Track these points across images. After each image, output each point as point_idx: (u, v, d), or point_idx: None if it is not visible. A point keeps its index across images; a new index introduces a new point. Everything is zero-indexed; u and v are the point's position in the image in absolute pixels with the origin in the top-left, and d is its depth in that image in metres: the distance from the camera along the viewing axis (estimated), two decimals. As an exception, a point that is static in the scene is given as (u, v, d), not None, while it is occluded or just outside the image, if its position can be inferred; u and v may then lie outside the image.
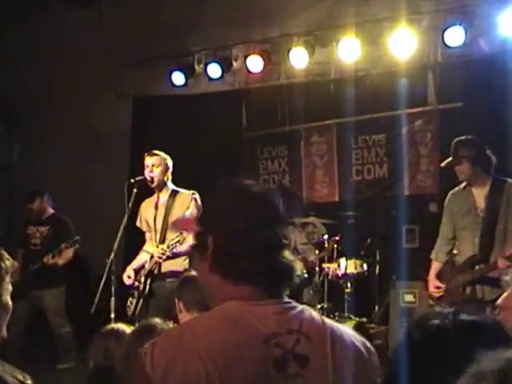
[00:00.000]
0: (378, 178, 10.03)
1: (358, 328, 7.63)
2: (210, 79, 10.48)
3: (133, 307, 6.79)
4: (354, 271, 8.72)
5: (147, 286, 6.75)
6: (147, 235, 7.20)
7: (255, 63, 10.01)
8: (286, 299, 2.01)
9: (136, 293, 6.81)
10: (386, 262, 8.99)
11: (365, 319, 8.44)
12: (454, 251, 6.59)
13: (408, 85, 9.37)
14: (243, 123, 10.97)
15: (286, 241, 2.05)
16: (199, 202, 6.81)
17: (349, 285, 8.68)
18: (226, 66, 10.37)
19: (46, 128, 12.16)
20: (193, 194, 6.94)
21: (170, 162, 7.10)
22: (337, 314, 8.47)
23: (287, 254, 2.02)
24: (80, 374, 6.68)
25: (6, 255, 2.52)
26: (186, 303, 4.07)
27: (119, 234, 6.73)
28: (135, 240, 7.52)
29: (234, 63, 10.50)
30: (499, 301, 2.79)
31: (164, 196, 7.04)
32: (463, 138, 6.48)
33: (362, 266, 8.78)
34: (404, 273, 8.30)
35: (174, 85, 10.71)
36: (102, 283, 6.58)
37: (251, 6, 10.53)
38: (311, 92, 10.05)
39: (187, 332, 1.89)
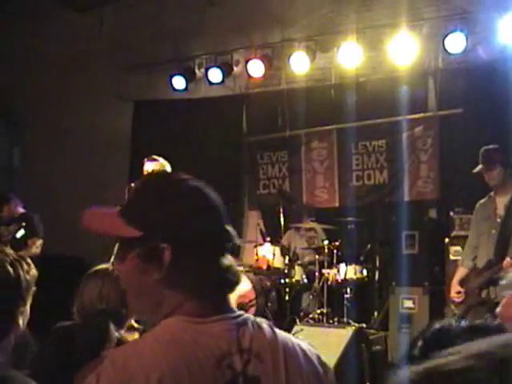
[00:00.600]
0: (378, 184, 10.03)
1: (358, 334, 7.63)
2: (211, 84, 10.51)
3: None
4: (354, 277, 8.70)
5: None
6: None
7: (256, 68, 10.04)
8: (234, 311, 1.88)
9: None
10: (385, 267, 9.00)
11: (364, 325, 8.39)
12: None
13: (408, 91, 9.40)
14: (244, 128, 10.99)
15: (234, 243, 1.92)
16: None
17: (348, 290, 8.65)
18: (226, 71, 10.39)
19: (47, 131, 12.18)
20: None
21: (169, 168, 7.09)
22: (336, 319, 8.43)
23: (230, 257, 1.90)
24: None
25: (31, 264, 2.51)
26: None
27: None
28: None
29: (235, 68, 10.52)
30: (498, 309, 2.79)
31: None
32: (492, 146, 6.63)
33: (361, 271, 8.77)
34: (404, 278, 8.32)
35: (174, 89, 10.74)
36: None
37: (252, 11, 10.55)
38: (312, 97, 10.04)
39: (132, 358, 1.72)
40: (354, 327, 7.84)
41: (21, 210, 8.84)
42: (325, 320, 8.38)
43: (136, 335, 3.35)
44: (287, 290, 8.87)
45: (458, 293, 6.54)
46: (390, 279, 8.75)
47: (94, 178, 11.41)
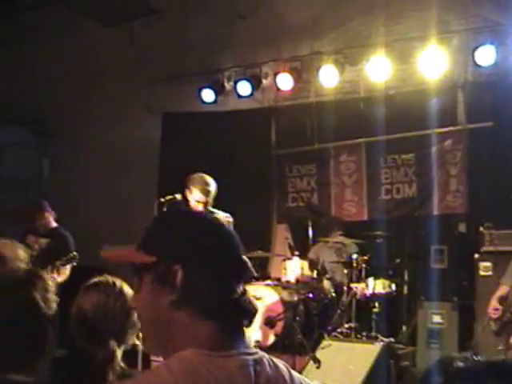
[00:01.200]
0: (407, 198, 9.97)
1: (386, 349, 7.58)
2: (240, 96, 10.51)
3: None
4: (382, 291, 8.65)
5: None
6: None
7: (285, 81, 10.05)
8: (250, 347, 1.85)
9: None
10: (414, 282, 8.93)
11: (392, 339, 8.35)
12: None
13: (438, 104, 9.34)
14: (272, 141, 10.98)
15: (251, 274, 1.92)
16: (231, 225, 6.80)
17: (377, 305, 8.59)
18: (255, 84, 10.39)
19: (76, 143, 12.29)
20: (226, 217, 6.91)
21: (213, 188, 7.05)
22: (364, 333, 8.39)
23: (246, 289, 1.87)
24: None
25: (47, 275, 2.51)
26: None
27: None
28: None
29: (264, 81, 10.52)
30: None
31: None
32: None
33: (390, 285, 8.72)
34: (432, 293, 8.25)
35: (203, 102, 10.76)
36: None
37: (281, 24, 10.56)
38: (341, 110, 10.02)
39: None
40: (382, 342, 7.79)
41: (53, 223, 8.69)
42: (353, 334, 8.33)
43: None
44: (315, 304, 8.83)
45: (496, 309, 6.48)
46: (418, 294, 8.67)
47: (123, 190, 11.47)
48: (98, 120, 12.07)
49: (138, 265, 1.86)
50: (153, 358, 5.96)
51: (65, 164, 12.44)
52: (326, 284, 9.05)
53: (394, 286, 8.74)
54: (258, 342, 7.98)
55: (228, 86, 10.74)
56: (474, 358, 1.57)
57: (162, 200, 6.86)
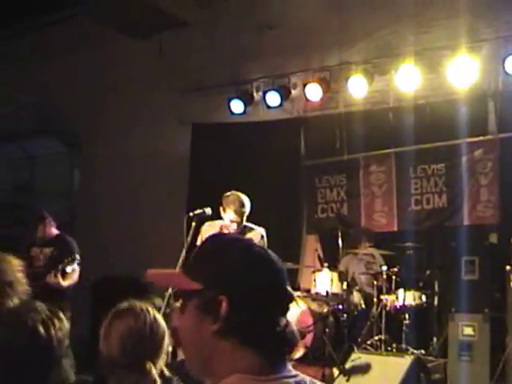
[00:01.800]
0: (438, 208, 9.87)
1: (416, 362, 7.49)
2: (269, 107, 10.51)
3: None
4: (413, 303, 8.58)
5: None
6: None
7: (314, 91, 10.02)
8: (291, 370, 1.86)
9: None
10: (444, 293, 8.80)
11: (423, 351, 8.27)
12: None
13: (468, 113, 9.24)
14: (301, 151, 10.93)
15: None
16: (265, 239, 6.78)
17: (407, 316, 8.52)
18: (284, 94, 10.39)
19: (106, 154, 12.35)
20: (262, 232, 6.89)
21: (247, 208, 6.96)
22: (394, 346, 8.32)
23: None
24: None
25: (63, 319, 2.50)
26: None
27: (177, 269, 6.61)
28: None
29: (293, 91, 10.53)
30: None
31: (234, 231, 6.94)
32: None
33: (420, 297, 8.64)
34: (463, 305, 8.13)
35: (232, 113, 10.78)
36: (161, 314, 6.55)
37: (310, 34, 10.54)
38: (370, 120, 9.97)
39: None
40: (412, 355, 7.71)
41: (55, 231, 8.66)
42: (383, 347, 8.27)
43: None
44: (345, 315, 8.78)
45: None
46: (449, 305, 8.54)
47: (153, 201, 11.50)
48: (128, 131, 12.13)
49: (181, 290, 1.90)
50: None
51: (95, 174, 12.52)
52: (356, 296, 9.00)
53: (424, 298, 8.66)
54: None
55: (257, 96, 10.77)
56: None
57: (191, 214, 6.83)
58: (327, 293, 8.83)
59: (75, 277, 8.22)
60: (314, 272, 9.15)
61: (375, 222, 10.32)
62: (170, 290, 6.39)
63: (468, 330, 8.10)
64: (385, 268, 8.76)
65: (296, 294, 9.01)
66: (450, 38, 9.32)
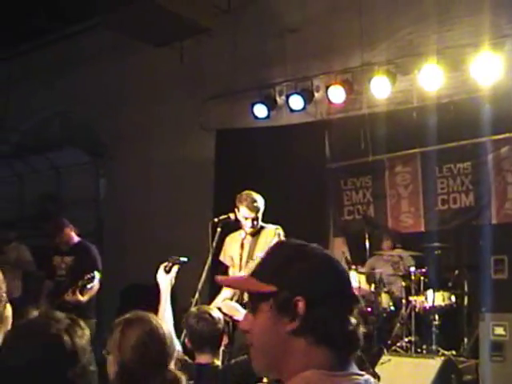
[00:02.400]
0: (465, 207, 9.80)
1: (447, 364, 7.43)
2: (292, 111, 10.47)
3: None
4: (442, 303, 8.53)
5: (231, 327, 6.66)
6: (230, 270, 7.16)
7: (337, 93, 9.96)
8: (357, 369, 1.94)
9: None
10: (474, 293, 8.71)
11: (454, 352, 8.19)
12: None
13: (493, 110, 9.12)
14: (326, 154, 10.87)
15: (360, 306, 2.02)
16: (282, 237, 6.74)
17: (436, 317, 8.47)
18: (307, 97, 10.35)
19: (131, 162, 12.41)
20: (277, 229, 6.85)
21: (261, 205, 6.91)
22: (424, 347, 8.26)
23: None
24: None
25: (84, 328, 2.49)
26: None
27: (203, 275, 6.59)
28: (219, 274, 7.46)
29: (316, 94, 10.48)
30: None
31: (249, 235, 6.96)
32: None
33: (449, 297, 8.59)
34: (493, 305, 8.04)
35: (256, 117, 10.76)
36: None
37: (331, 36, 10.49)
38: (394, 121, 9.86)
39: None
40: (443, 357, 7.64)
41: (76, 238, 8.65)
42: (413, 348, 8.22)
43: None
44: (374, 318, 8.72)
45: None
46: (479, 305, 8.45)
47: (178, 208, 11.52)
48: (153, 139, 12.19)
49: (255, 292, 1.97)
50: None
51: (121, 183, 12.58)
52: (384, 297, 8.95)
53: (453, 298, 8.61)
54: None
55: (280, 100, 10.75)
56: None
57: (216, 220, 6.82)
58: (355, 295, 8.77)
59: (96, 287, 8.22)
60: (341, 274, 9.09)
61: (402, 222, 10.27)
62: (196, 295, 6.39)
63: (499, 330, 7.99)
64: (413, 269, 8.70)
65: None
66: (472, 36, 9.22)
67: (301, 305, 1.85)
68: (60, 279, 8.34)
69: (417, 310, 8.54)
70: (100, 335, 8.14)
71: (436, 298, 8.48)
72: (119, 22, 10.98)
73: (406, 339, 8.42)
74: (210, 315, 4.58)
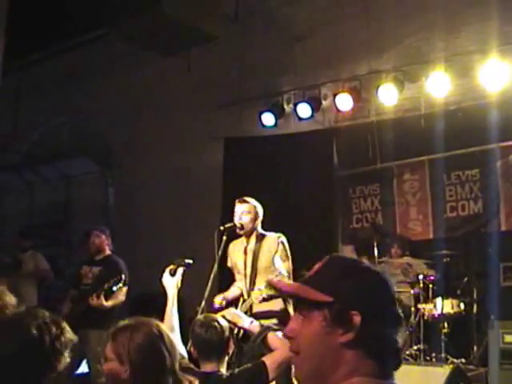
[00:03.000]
0: (473, 215, 9.77)
1: (456, 372, 7.38)
2: (300, 119, 10.47)
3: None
4: (451, 311, 8.47)
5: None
6: (237, 275, 7.16)
7: (344, 101, 9.96)
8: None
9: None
10: (483, 301, 8.66)
11: (463, 360, 8.13)
12: None
13: (501, 117, 9.08)
14: (334, 162, 10.83)
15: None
16: (286, 244, 6.74)
17: (446, 325, 8.41)
18: (315, 105, 10.35)
19: (140, 171, 12.43)
20: (279, 237, 6.85)
21: (260, 210, 6.95)
22: (433, 355, 8.21)
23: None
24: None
25: (67, 328, 2.49)
26: None
27: (209, 283, 6.59)
28: (226, 281, 7.46)
29: (324, 102, 10.49)
30: None
31: (252, 241, 6.97)
32: None
33: (458, 305, 8.53)
34: (503, 312, 7.99)
35: (264, 126, 10.77)
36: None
37: (338, 44, 10.50)
38: (402, 128, 9.83)
39: None
40: (451, 365, 7.60)
41: (107, 251, 8.73)
42: (422, 356, 8.17)
43: None
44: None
45: None
46: (488, 313, 8.41)
47: (187, 216, 11.53)
48: (161, 148, 12.21)
49: (307, 300, 1.97)
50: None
51: (129, 192, 12.59)
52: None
53: (462, 306, 8.55)
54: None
55: (288, 108, 10.76)
56: None
57: (222, 228, 6.82)
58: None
59: (121, 297, 8.24)
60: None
61: (410, 230, 10.25)
62: (203, 304, 6.38)
63: (509, 338, 7.94)
64: (421, 276, 8.67)
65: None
66: (479, 43, 9.20)
67: (357, 318, 1.87)
68: (85, 288, 8.33)
69: (425, 317, 8.50)
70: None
71: (445, 306, 8.43)
72: (127, 32, 11.02)
73: (415, 347, 8.37)
74: (218, 323, 4.58)
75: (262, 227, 7.02)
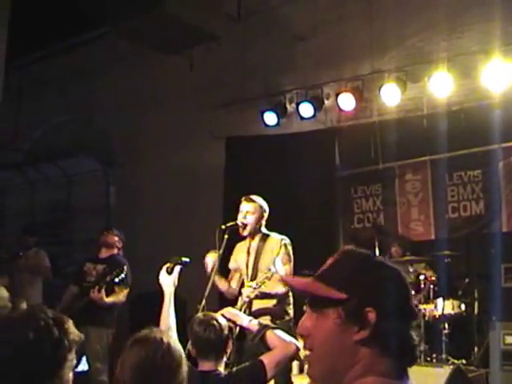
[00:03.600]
0: (475, 215, 9.73)
1: (456, 373, 7.36)
2: (302, 118, 10.46)
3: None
4: (452, 312, 8.44)
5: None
6: (234, 274, 7.12)
7: (347, 101, 9.94)
8: (411, 381, 1.96)
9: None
10: (484, 302, 8.63)
11: (464, 361, 8.11)
12: None
13: (503, 117, 9.04)
14: (336, 162, 10.83)
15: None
16: (289, 248, 6.71)
17: (446, 326, 8.38)
18: (317, 105, 10.34)
19: (142, 170, 12.43)
20: (282, 240, 6.81)
21: (266, 210, 6.90)
22: (434, 356, 8.19)
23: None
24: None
25: (71, 328, 2.43)
26: None
27: (210, 283, 6.58)
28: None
29: (326, 102, 10.48)
30: None
31: (256, 242, 6.93)
32: None
33: (459, 306, 8.50)
34: (504, 313, 7.96)
35: (266, 125, 10.76)
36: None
37: (341, 44, 10.50)
38: (404, 128, 9.82)
39: None
40: (452, 366, 7.58)
41: (115, 250, 8.72)
42: (422, 357, 8.14)
43: None
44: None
45: None
46: (489, 314, 8.38)
47: (189, 215, 11.52)
48: (163, 147, 12.20)
49: (322, 297, 1.94)
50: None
51: (131, 191, 12.58)
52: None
53: (463, 307, 8.51)
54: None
55: (290, 108, 10.75)
56: None
57: (223, 226, 6.80)
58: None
59: (122, 297, 8.23)
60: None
61: (412, 230, 10.21)
62: (203, 302, 6.36)
63: (510, 339, 7.92)
64: (422, 277, 8.65)
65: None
66: (482, 43, 9.19)
67: (372, 315, 1.85)
68: (88, 285, 8.26)
69: (426, 318, 8.46)
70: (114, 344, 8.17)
71: (446, 307, 8.40)
72: (130, 30, 11.02)
73: (416, 348, 8.34)
74: (217, 322, 4.55)
75: (265, 226, 6.99)
